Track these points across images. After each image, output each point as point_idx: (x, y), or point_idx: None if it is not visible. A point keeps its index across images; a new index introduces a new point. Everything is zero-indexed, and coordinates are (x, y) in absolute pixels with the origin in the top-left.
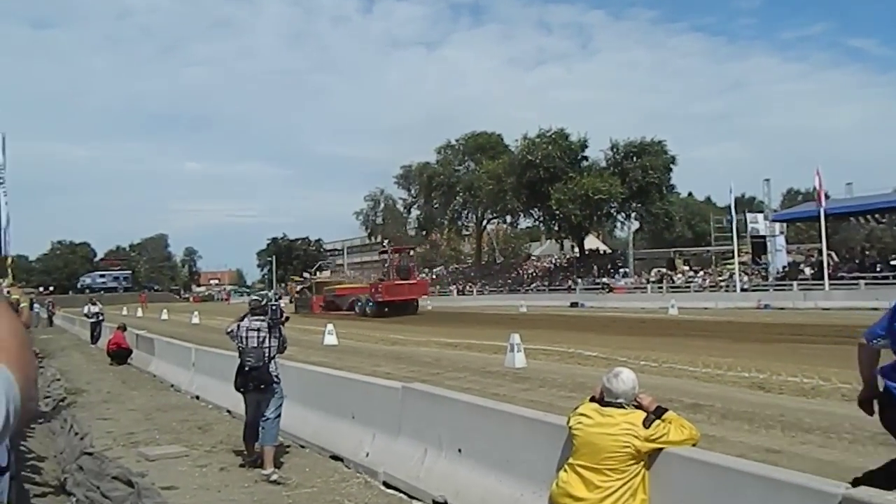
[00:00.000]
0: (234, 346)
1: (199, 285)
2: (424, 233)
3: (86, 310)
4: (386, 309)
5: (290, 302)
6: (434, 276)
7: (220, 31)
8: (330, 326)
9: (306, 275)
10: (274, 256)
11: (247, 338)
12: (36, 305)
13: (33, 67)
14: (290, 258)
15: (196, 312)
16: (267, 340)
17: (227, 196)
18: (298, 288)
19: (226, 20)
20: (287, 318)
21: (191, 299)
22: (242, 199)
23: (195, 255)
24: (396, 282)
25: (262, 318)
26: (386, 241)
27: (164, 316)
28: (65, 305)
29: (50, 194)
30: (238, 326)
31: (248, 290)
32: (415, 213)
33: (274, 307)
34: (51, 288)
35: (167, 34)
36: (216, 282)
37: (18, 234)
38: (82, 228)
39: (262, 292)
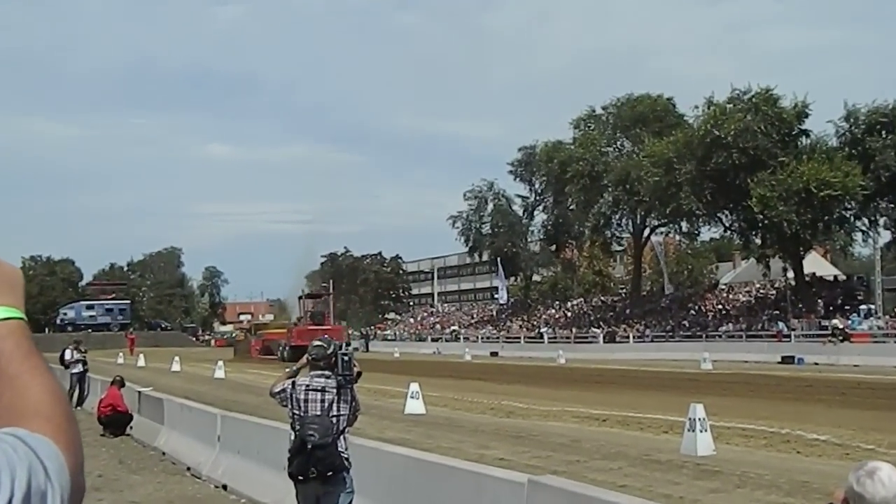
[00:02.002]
0: (287, 413)
1: (224, 322)
2: (554, 247)
3: (68, 356)
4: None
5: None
6: (567, 314)
7: None
8: (414, 387)
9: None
10: (331, 281)
11: (306, 401)
12: None
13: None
14: (354, 283)
15: (221, 362)
16: (335, 406)
17: (264, 193)
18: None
19: None
20: (360, 374)
21: (213, 343)
22: (287, 198)
23: (219, 277)
24: (309, 327)
25: (327, 373)
26: (302, 290)
27: (176, 366)
28: (40, 349)
29: (19, 192)
30: (293, 385)
31: None
32: (539, 217)
33: (345, 358)
34: None
35: None
36: (248, 317)
37: None
38: (65, 240)
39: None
